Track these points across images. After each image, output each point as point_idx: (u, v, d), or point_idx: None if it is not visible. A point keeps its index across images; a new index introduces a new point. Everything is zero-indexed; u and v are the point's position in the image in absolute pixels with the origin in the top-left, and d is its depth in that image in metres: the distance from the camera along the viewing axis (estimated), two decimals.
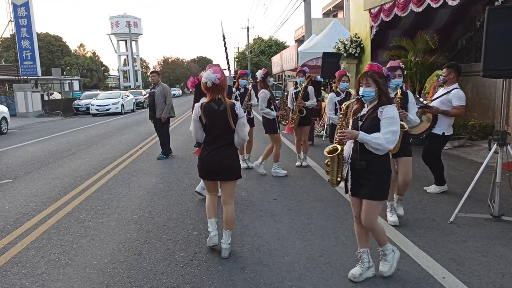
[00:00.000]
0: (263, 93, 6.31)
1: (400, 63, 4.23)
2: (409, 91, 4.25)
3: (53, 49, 46.14)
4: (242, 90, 6.90)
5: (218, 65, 3.51)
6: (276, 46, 45.37)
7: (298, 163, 7.16)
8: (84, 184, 6.46)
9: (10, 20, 22.73)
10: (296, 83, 7.00)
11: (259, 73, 6.37)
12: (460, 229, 4.06)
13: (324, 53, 10.60)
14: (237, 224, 4.39)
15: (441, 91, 5.21)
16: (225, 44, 5.65)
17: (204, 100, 3.53)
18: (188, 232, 4.23)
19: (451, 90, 4.99)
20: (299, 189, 5.75)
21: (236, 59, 56.89)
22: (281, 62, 17.51)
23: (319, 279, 3.15)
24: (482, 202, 4.80)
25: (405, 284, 3.03)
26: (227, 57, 5.75)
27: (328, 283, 3.08)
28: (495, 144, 4.20)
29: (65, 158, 8.71)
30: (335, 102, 5.96)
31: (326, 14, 40.16)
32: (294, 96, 6.89)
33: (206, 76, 3.37)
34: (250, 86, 7.14)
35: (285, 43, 47.08)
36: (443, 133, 5.01)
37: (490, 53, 3.94)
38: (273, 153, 6.54)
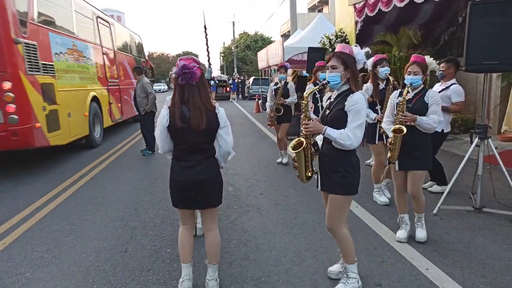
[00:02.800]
0: (365, 88, 4.77)
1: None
2: (430, 90, 3.58)
3: None
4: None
5: (192, 58, 2.82)
6: (262, 41, 45.31)
7: (279, 160, 7.15)
8: (68, 180, 6.35)
9: None
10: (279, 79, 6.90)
11: (370, 61, 4.67)
12: (443, 221, 4.14)
13: (310, 48, 10.60)
14: (224, 219, 4.38)
15: (438, 86, 4.99)
16: (206, 35, 5.53)
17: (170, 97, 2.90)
18: (175, 228, 4.20)
19: (449, 86, 4.80)
20: (285, 184, 5.77)
21: (222, 54, 56.58)
22: (267, 57, 17.46)
23: (305, 272, 3.17)
24: (464, 195, 4.90)
25: (389, 276, 3.08)
26: (207, 49, 5.65)
27: (314, 277, 3.11)
28: (477, 137, 4.28)
29: (49, 154, 8.54)
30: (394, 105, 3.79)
31: (312, 9, 40.28)
32: (273, 92, 6.83)
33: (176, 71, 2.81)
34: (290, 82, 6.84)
35: (270, 38, 47.04)
36: (442, 130, 4.73)
37: (472, 48, 4.01)
38: (372, 169, 4.94)
